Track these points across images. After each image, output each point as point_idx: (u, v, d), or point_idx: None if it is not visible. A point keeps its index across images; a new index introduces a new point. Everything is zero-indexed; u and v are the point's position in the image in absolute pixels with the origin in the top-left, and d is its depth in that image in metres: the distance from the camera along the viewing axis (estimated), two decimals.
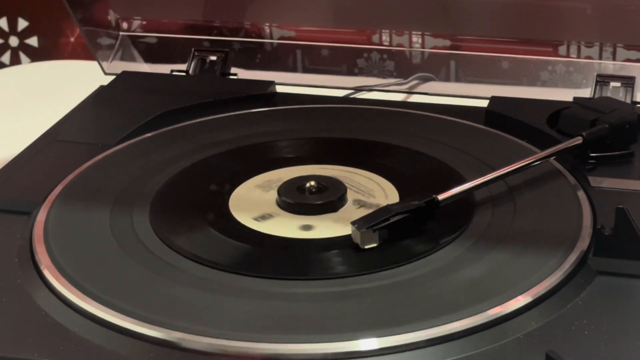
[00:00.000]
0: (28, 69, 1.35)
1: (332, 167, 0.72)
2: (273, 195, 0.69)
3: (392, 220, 0.62)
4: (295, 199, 0.67)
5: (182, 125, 0.81)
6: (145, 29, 0.96)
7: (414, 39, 0.90)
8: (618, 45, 0.84)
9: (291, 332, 0.54)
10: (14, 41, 1.61)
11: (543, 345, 0.52)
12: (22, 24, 1.60)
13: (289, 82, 0.91)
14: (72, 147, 0.77)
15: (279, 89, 0.88)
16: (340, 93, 0.93)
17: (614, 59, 0.84)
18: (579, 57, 0.86)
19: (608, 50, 0.84)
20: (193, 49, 0.93)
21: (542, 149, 0.70)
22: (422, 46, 0.90)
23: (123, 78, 0.91)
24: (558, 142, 0.71)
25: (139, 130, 0.79)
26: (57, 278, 0.59)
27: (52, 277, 0.59)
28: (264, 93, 0.87)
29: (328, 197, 0.67)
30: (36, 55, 1.60)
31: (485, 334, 0.53)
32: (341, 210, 0.67)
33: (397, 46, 0.91)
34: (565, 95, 0.82)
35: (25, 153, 0.76)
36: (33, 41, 1.60)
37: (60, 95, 1.05)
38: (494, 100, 0.82)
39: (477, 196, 0.67)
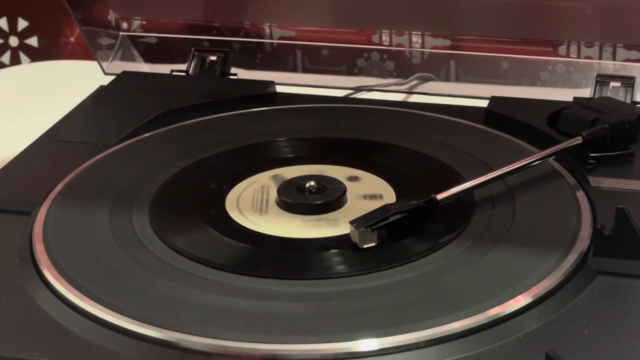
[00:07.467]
0: (28, 69, 1.35)
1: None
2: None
3: (390, 219, 0.62)
4: (295, 199, 0.67)
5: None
6: (145, 29, 0.96)
7: (414, 39, 0.90)
8: (618, 45, 0.84)
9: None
10: (14, 41, 1.61)
11: (543, 345, 0.52)
12: (22, 24, 1.60)
13: (289, 82, 0.91)
14: (72, 147, 0.77)
15: (279, 89, 0.88)
16: (340, 93, 0.93)
17: (614, 59, 0.84)
18: (579, 57, 0.86)
19: (608, 50, 0.84)
20: (193, 49, 0.93)
21: (542, 149, 0.70)
22: (422, 46, 0.90)
23: (123, 78, 0.91)
24: (558, 142, 0.71)
25: (139, 130, 0.79)
26: (56, 278, 0.59)
27: (52, 277, 0.59)
28: (264, 93, 0.87)
29: (328, 197, 0.67)
30: (36, 55, 1.60)
31: (485, 334, 0.53)
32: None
33: (397, 46, 0.91)
34: (565, 95, 0.82)
35: (25, 153, 0.76)
36: (33, 41, 1.60)
37: (60, 95, 1.05)
38: (494, 100, 0.82)
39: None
